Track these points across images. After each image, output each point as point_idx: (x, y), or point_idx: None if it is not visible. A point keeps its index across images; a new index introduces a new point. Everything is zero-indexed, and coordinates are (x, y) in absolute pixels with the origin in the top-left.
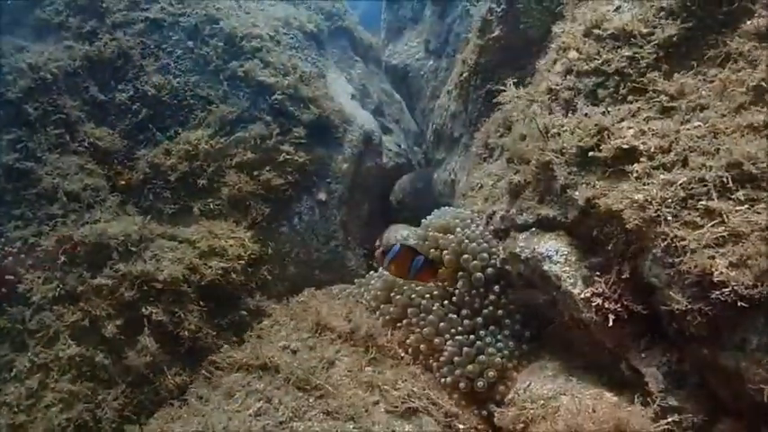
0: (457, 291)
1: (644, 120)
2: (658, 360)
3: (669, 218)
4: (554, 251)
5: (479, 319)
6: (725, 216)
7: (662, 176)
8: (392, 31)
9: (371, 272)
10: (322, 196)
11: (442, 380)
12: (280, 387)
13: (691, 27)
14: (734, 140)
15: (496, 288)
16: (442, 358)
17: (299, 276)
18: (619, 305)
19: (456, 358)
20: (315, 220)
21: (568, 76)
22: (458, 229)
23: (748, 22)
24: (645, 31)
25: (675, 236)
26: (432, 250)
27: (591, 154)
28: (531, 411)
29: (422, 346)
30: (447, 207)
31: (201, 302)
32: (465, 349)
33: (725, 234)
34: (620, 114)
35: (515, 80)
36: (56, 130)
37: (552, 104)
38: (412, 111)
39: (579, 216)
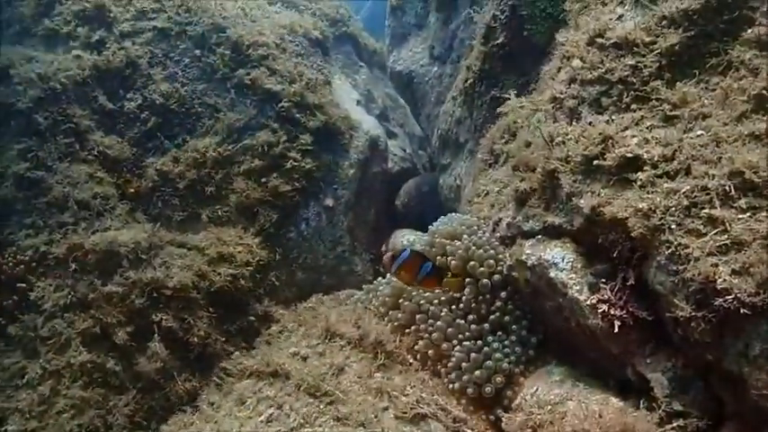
0: (464, 297)
1: (647, 128)
2: (663, 365)
3: (673, 226)
4: (560, 258)
5: (486, 325)
6: (727, 224)
7: (666, 185)
8: (396, 38)
9: (379, 278)
10: (329, 202)
11: (451, 385)
12: (290, 393)
13: (692, 36)
14: (736, 149)
15: (503, 294)
16: (449, 364)
17: (306, 282)
18: (624, 311)
19: (464, 364)
20: (322, 225)
21: (572, 85)
22: (464, 236)
23: (749, 31)
24: (647, 39)
25: (679, 244)
26: (438, 257)
27: (596, 162)
28: (539, 416)
29: (430, 351)
30: (453, 213)
31: (211, 309)
32: (472, 355)
33: (728, 242)
34: (623, 123)
35: (520, 85)
36: (66, 139)
37: (556, 113)
38: (417, 116)
39: (585, 224)
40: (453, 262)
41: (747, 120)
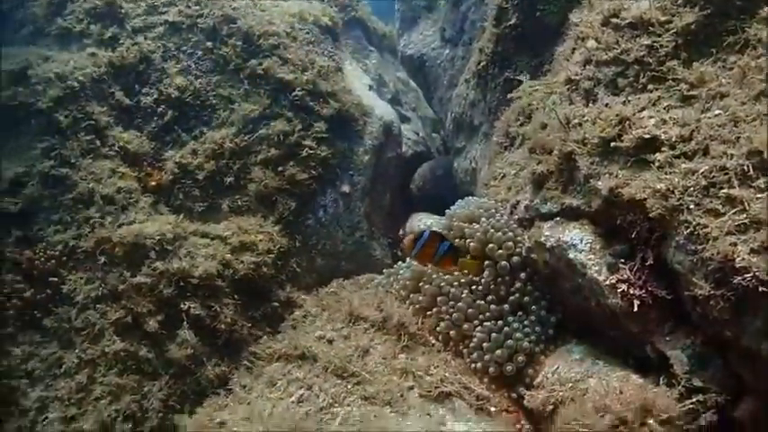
0: (483, 279)
1: (664, 109)
2: (682, 343)
3: (691, 206)
4: (579, 239)
5: (506, 306)
6: (746, 203)
7: (684, 165)
8: (406, 21)
9: (399, 262)
10: (345, 188)
11: (473, 365)
12: (319, 375)
13: (709, 14)
14: (754, 128)
15: (522, 276)
16: (471, 344)
17: (326, 267)
18: (643, 291)
19: (485, 344)
20: (339, 212)
21: (588, 66)
22: (483, 219)
23: (766, 8)
24: (663, 19)
25: (698, 223)
26: (457, 240)
27: (613, 144)
28: (561, 393)
29: (451, 332)
30: (470, 196)
31: (235, 296)
32: (493, 335)
33: (746, 221)
34: (640, 104)
35: (533, 67)
36: (86, 136)
37: (572, 94)
38: (429, 100)
39: (603, 205)
40: (472, 244)
41: (765, 98)
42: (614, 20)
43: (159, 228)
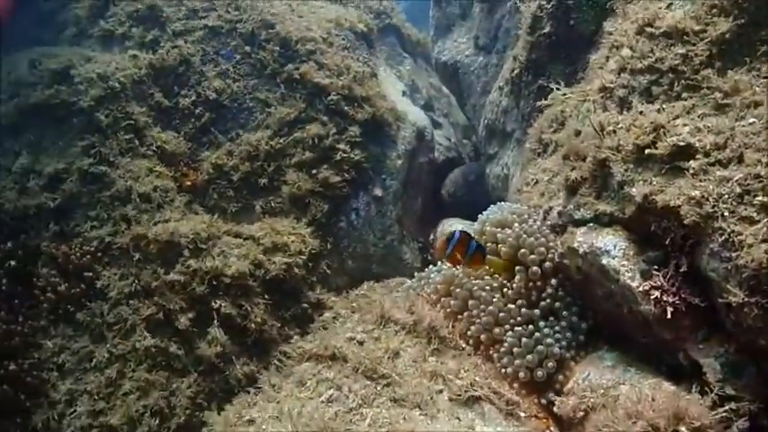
0: (515, 284)
1: (699, 117)
2: (716, 351)
3: (726, 213)
4: (612, 246)
5: (537, 311)
6: None
7: (718, 173)
8: (441, 28)
9: (430, 266)
10: (378, 192)
11: (503, 370)
12: (348, 376)
13: (743, 24)
14: None
15: (553, 281)
16: (502, 349)
17: (356, 270)
18: (677, 298)
19: (516, 349)
20: (371, 215)
21: (622, 74)
22: (515, 224)
23: None
24: (697, 28)
25: (732, 231)
26: (489, 244)
27: (647, 151)
28: (592, 400)
29: (482, 336)
30: (502, 202)
31: (266, 296)
32: (524, 340)
33: None
34: (675, 112)
35: (567, 75)
36: (126, 135)
37: (606, 102)
38: (462, 106)
39: (637, 212)
40: (504, 249)
41: None
42: (649, 29)
43: (194, 227)
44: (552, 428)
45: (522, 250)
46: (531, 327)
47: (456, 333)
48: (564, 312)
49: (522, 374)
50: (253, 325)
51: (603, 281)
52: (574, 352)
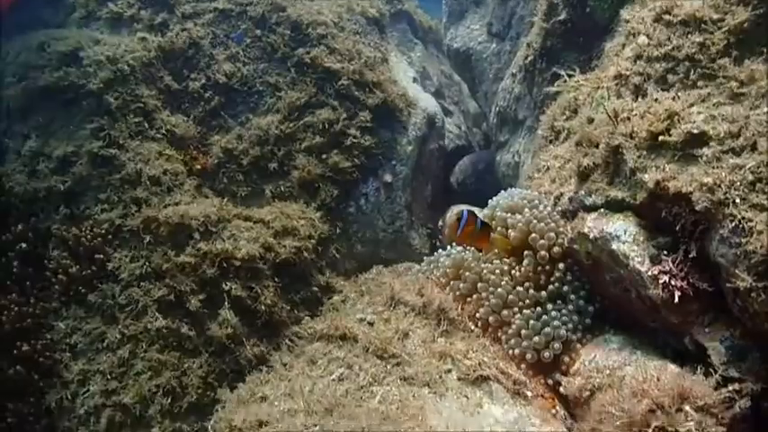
0: (523, 268)
1: (714, 105)
2: (721, 335)
3: (737, 200)
4: (622, 231)
5: (545, 295)
6: None
7: (731, 160)
8: (454, 15)
9: (439, 250)
10: (388, 178)
11: (511, 351)
12: (359, 355)
13: (761, 14)
14: None
15: (562, 266)
16: (509, 331)
17: (365, 255)
18: (685, 282)
19: (523, 331)
20: (380, 201)
21: (638, 62)
22: (526, 210)
23: None
24: (715, 17)
25: (743, 217)
26: (499, 228)
27: (661, 138)
28: (598, 380)
29: (491, 318)
30: (513, 188)
31: (276, 279)
32: (531, 322)
33: None
34: (690, 99)
35: (581, 62)
36: (135, 118)
37: (621, 89)
38: (474, 94)
39: (648, 198)
40: (513, 234)
41: None
42: (666, 16)
43: (204, 210)
44: (558, 408)
45: (533, 235)
46: (538, 309)
47: (465, 315)
48: (572, 296)
49: (529, 355)
50: (263, 307)
51: (613, 265)
52: (580, 334)
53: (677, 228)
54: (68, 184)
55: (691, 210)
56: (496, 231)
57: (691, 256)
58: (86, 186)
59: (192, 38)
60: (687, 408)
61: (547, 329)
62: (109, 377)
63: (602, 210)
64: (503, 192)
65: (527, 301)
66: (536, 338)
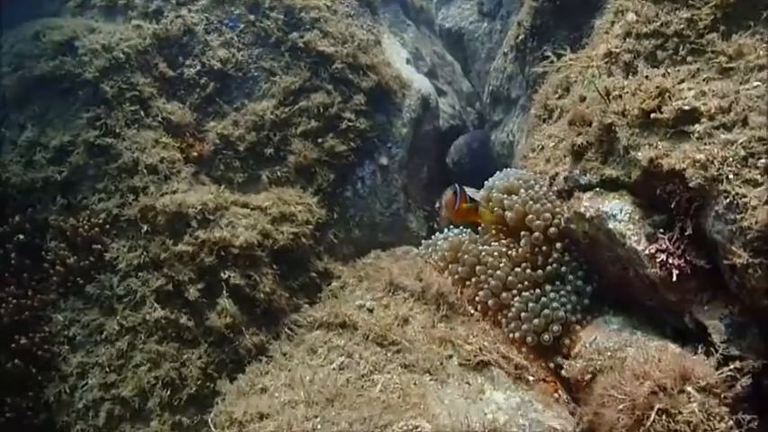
0: (520, 249)
1: (704, 81)
2: (720, 312)
3: (731, 176)
4: (618, 210)
5: (543, 276)
6: None
7: (723, 136)
8: None
9: (437, 233)
10: (383, 161)
11: (511, 334)
12: (359, 343)
13: None
14: None
15: (559, 246)
16: (509, 314)
17: (363, 239)
18: (682, 260)
19: (523, 314)
20: (377, 184)
21: (628, 39)
22: (521, 191)
23: None
24: None
25: (737, 193)
26: (495, 209)
27: (653, 115)
28: (599, 362)
29: (490, 302)
30: (508, 168)
31: (274, 266)
32: (530, 305)
33: None
34: (680, 76)
35: (572, 40)
36: (131, 106)
37: (612, 67)
38: (467, 73)
39: (642, 176)
40: (510, 215)
41: None
42: None
43: (201, 197)
44: (560, 391)
45: (529, 216)
46: (537, 291)
47: (464, 299)
48: (570, 276)
49: (529, 339)
50: (261, 295)
51: (610, 245)
52: (580, 315)
53: (672, 205)
54: (65, 173)
55: (685, 187)
56: (493, 212)
57: (687, 233)
58: (83, 176)
59: (186, 24)
60: (689, 388)
61: (546, 311)
62: (108, 370)
63: (597, 189)
64: (498, 173)
65: (526, 282)
66: (535, 321)
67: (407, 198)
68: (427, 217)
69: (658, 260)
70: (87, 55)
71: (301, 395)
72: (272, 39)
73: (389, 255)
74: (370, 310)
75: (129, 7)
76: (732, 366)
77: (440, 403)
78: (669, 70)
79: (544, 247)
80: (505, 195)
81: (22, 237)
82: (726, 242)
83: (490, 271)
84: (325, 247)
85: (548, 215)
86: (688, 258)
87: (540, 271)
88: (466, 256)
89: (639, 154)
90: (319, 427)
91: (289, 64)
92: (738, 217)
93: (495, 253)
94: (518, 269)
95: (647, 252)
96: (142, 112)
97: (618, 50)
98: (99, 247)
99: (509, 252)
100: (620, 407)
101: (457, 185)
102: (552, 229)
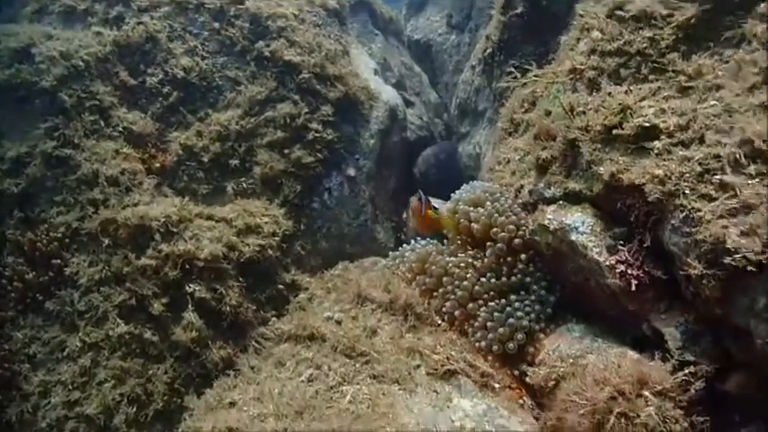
0: (486, 260)
1: (664, 98)
2: (676, 321)
3: (687, 191)
4: (581, 222)
5: (508, 286)
6: (737, 189)
7: (680, 152)
8: (413, 6)
9: (404, 245)
10: (351, 172)
11: (477, 344)
12: (327, 355)
13: (708, 9)
14: (746, 119)
15: (524, 257)
16: (475, 324)
17: (330, 251)
18: (641, 271)
19: (489, 323)
20: (344, 195)
21: (592, 56)
22: (488, 203)
23: (761, 5)
24: (665, 12)
25: (692, 207)
26: (462, 220)
27: (615, 131)
28: (562, 369)
29: (456, 312)
30: (475, 181)
31: (240, 278)
32: (496, 314)
33: (737, 206)
34: (641, 93)
35: (539, 55)
36: (91, 116)
37: (576, 83)
38: (435, 85)
39: (604, 190)
40: (476, 227)
41: (758, 91)
42: (619, 12)
43: (164, 210)
44: (525, 398)
45: (494, 229)
46: (503, 301)
47: (431, 309)
48: (534, 287)
49: (495, 347)
50: (228, 308)
51: (573, 256)
52: (543, 324)
53: (632, 218)
54: (22, 186)
55: (644, 201)
56: (460, 224)
57: (645, 245)
58: (41, 188)
59: (148, 32)
60: (647, 393)
61: (511, 320)
62: (71, 387)
63: (560, 202)
64: (465, 185)
65: (491, 292)
66: (501, 330)
67: (375, 209)
68: (395, 228)
69: (618, 271)
70: (45, 62)
71: (270, 408)
72: (238, 47)
73: (357, 266)
74: (339, 322)
75: (89, 13)
76: (687, 371)
77: (408, 412)
78: (631, 88)
79: (509, 258)
80: (472, 208)
81: None
82: (682, 254)
83: (457, 282)
84: (293, 258)
85: (512, 227)
86: (646, 269)
87: (505, 280)
88: (433, 267)
89: (601, 169)
90: None
91: (254, 73)
92: (693, 230)
93: (462, 264)
94: (483, 279)
95: (607, 263)
96: (102, 122)
97: (582, 67)
98: (58, 261)
99: (475, 263)
100: (582, 411)
101: (421, 192)
102: (517, 241)
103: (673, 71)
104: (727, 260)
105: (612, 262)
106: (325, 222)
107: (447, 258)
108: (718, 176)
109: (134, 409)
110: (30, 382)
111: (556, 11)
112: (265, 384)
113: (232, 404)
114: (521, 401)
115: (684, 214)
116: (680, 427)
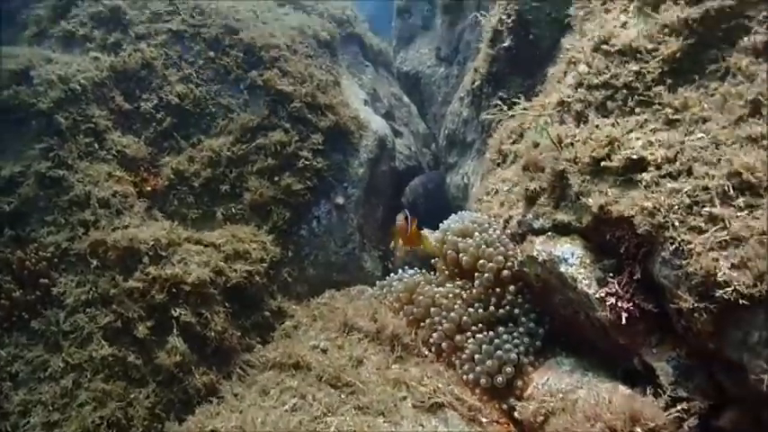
0: (474, 290)
1: (651, 131)
2: (668, 355)
3: (676, 223)
4: (570, 254)
5: (496, 318)
6: (727, 221)
7: (669, 185)
8: (403, 39)
9: (391, 274)
10: (339, 200)
11: (465, 376)
12: (312, 384)
13: (693, 43)
14: (734, 151)
15: (512, 288)
16: (463, 356)
17: (317, 278)
18: (631, 304)
19: (476, 356)
20: (333, 223)
21: (579, 89)
22: (476, 234)
23: (745, 39)
24: (650, 46)
25: (682, 240)
26: (449, 252)
27: (603, 163)
28: (551, 404)
29: (444, 343)
30: (463, 211)
31: (227, 304)
32: (484, 347)
33: (727, 238)
34: (628, 126)
35: (526, 87)
36: (85, 138)
37: (564, 115)
38: (424, 116)
39: (593, 221)
40: (464, 258)
41: (744, 123)
42: (605, 46)
43: (153, 233)
44: None
45: (481, 261)
46: (491, 333)
47: (419, 340)
48: (522, 318)
49: (483, 381)
50: (213, 333)
51: (562, 288)
52: (532, 357)
53: (622, 250)
54: (14, 204)
55: (633, 233)
56: (447, 255)
57: (636, 277)
58: (33, 208)
59: (144, 58)
60: (639, 430)
61: (499, 353)
62: (51, 408)
63: (549, 233)
64: (453, 215)
65: (479, 324)
66: (489, 363)
67: (363, 238)
68: (382, 257)
69: (608, 303)
70: (42, 85)
71: None
72: (232, 76)
73: (344, 294)
74: (324, 351)
75: (88, 39)
76: (679, 407)
77: None
78: (618, 120)
79: (497, 290)
80: (460, 238)
81: None
82: (672, 287)
83: (444, 312)
84: (279, 285)
85: (501, 258)
86: (637, 302)
87: (493, 310)
88: (421, 298)
89: (590, 200)
90: None
91: (247, 101)
92: (684, 263)
93: (450, 294)
94: (471, 310)
95: (597, 296)
96: (96, 145)
97: (570, 100)
98: (46, 281)
99: (463, 294)
100: None
101: (406, 210)
102: (506, 272)
103: (659, 104)
104: (719, 293)
105: (602, 294)
106: (313, 250)
107: (435, 289)
108: (707, 209)
109: None
110: (10, 401)
111: (542, 45)
112: (248, 413)
113: None
114: None
115: (674, 246)
116: None
